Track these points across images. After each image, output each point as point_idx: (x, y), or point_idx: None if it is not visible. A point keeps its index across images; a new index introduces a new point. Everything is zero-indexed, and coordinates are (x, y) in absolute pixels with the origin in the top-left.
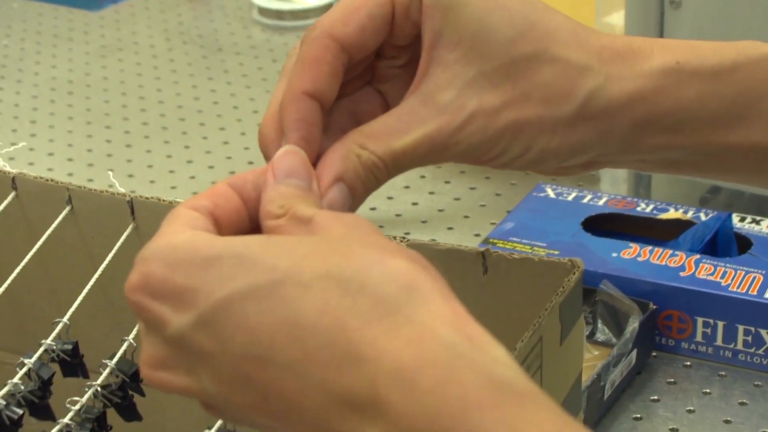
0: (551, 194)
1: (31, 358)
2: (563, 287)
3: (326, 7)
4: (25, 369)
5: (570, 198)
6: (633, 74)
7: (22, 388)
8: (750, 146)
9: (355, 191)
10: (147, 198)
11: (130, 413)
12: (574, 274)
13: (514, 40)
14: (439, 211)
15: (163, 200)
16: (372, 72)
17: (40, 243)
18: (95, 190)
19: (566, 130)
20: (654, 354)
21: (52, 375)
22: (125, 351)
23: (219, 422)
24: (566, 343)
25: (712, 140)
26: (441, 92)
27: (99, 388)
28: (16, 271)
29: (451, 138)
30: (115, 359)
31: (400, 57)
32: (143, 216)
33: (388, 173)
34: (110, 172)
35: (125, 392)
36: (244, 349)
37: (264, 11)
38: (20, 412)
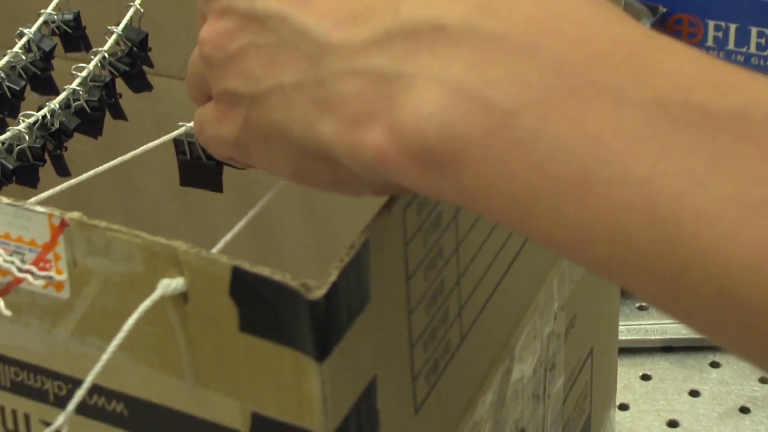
0: None
1: (30, 28)
2: None
3: None
4: (24, 39)
5: None
6: None
7: (23, 58)
8: None
9: None
10: None
11: (139, 83)
12: None
13: None
14: None
15: None
16: None
17: None
18: None
19: None
20: None
21: (54, 47)
22: (131, 18)
23: None
24: None
25: None
26: None
27: (106, 55)
28: None
29: None
30: (121, 26)
31: None
32: None
33: None
34: None
35: (134, 60)
36: None
37: None
38: (22, 83)
